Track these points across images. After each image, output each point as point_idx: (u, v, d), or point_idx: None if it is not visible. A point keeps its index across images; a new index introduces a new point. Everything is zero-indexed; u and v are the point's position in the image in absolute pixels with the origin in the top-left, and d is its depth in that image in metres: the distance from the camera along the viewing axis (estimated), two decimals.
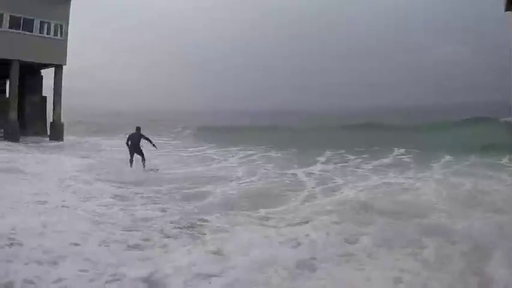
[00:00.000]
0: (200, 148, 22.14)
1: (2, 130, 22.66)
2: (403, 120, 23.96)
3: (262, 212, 7.89)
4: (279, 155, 17.89)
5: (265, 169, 14.12)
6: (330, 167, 14.59)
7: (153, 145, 13.92)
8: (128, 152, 13.63)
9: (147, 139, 13.69)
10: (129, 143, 13.57)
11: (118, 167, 13.60)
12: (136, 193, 9.60)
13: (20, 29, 21.87)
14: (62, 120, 24.29)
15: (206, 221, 7.06)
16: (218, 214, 7.53)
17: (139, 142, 13.68)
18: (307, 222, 6.94)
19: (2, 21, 21.33)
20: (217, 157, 18.04)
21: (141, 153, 13.64)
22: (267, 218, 7.44)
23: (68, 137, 24.63)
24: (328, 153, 17.23)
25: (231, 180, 11.86)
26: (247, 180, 12.04)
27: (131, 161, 13.55)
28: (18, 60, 22.02)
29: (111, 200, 8.76)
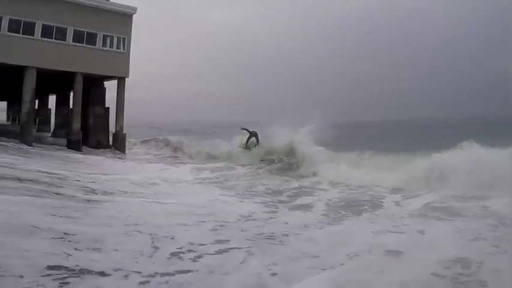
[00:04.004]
0: None
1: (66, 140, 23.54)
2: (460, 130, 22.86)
3: None
4: None
5: None
6: None
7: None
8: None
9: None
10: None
11: None
12: None
13: (83, 43, 22.52)
14: (124, 131, 24.83)
15: None
16: None
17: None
18: None
19: (66, 35, 22.04)
20: None
21: None
22: None
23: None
24: None
25: None
26: None
27: None
28: (82, 72, 22.72)
29: None
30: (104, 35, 23.02)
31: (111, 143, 24.92)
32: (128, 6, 23.56)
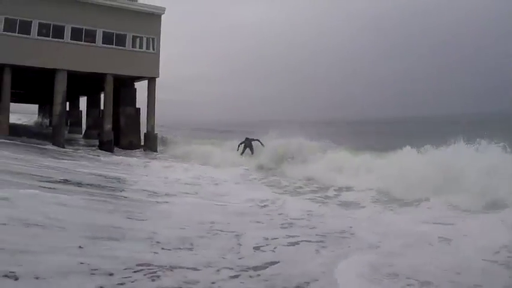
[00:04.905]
0: None
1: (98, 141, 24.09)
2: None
3: None
4: None
5: None
6: None
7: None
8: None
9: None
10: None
11: None
12: None
13: (113, 44, 22.99)
14: (155, 132, 25.29)
15: None
16: None
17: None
18: None
19: (96, 37, 22.51)
20: None
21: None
22: None
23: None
24: None
25: None
26: None
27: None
28: (112, 74, 23.22)
29: None
30: (133, 36, 23.45)
31: (142, 143, 25.40)
32: (156, 7, 23.90)
